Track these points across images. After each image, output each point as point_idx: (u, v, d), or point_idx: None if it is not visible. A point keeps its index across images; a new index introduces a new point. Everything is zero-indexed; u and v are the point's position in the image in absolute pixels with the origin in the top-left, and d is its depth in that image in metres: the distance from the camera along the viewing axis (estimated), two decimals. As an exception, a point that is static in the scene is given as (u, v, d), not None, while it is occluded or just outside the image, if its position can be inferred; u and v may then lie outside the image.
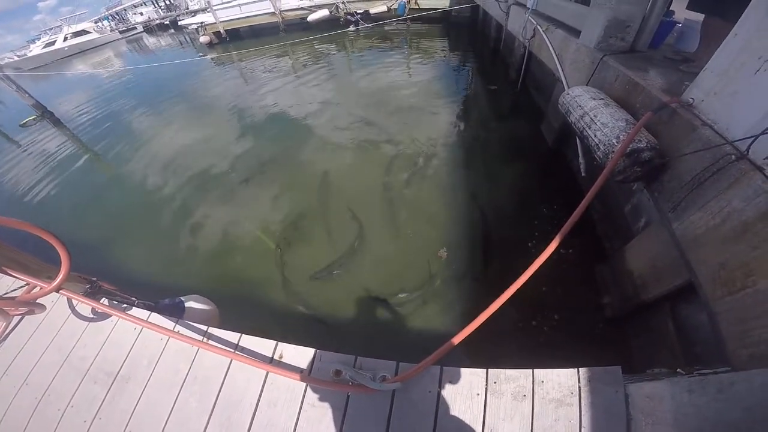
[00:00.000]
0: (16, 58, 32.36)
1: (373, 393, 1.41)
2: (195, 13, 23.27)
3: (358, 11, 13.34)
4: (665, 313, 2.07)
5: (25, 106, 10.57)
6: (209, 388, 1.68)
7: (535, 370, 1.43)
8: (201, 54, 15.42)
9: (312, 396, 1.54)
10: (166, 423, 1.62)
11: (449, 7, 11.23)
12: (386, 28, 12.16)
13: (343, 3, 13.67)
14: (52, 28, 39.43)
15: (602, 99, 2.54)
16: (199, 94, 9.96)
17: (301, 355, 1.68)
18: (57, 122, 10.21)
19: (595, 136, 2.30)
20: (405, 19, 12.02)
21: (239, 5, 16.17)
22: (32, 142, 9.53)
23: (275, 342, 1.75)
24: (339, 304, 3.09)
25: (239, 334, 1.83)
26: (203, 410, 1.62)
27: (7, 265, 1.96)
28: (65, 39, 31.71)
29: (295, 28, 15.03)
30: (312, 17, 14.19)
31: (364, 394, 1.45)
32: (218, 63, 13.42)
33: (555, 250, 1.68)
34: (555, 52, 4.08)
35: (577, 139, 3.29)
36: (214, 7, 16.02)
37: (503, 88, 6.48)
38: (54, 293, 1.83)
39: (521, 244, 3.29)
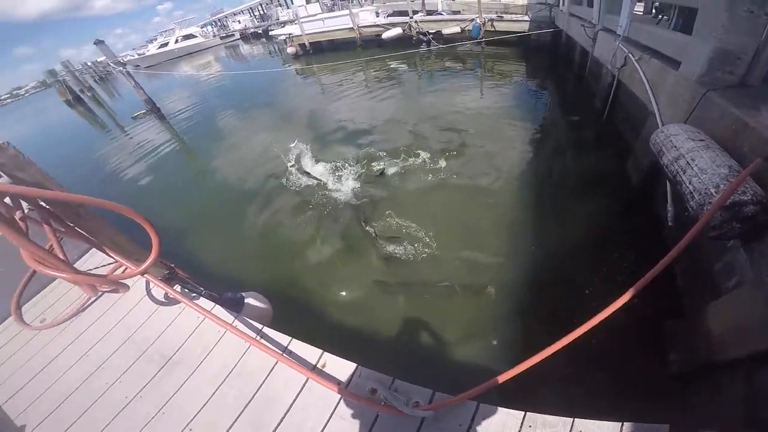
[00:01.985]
0: (136, 56, 38.12)
1: (403, 417, 1.41)
2: (284, 24, 25.57)
3: (431, 31, 13.50)
4: (738, 375, 1.82)
5: (138, 100, 12.40)
6: (250, 385, 1.75)
7: (576, 419, 1.33)
8: (287, 65, 16.84)
9: (343, 408, 1.56)
10: (198, 412, 1.71)
11: (528, 31, 10.86)
12: (459, 49, 12.10)
13: (415, 22, 13.94)
14: (166, 31, 45.83)
15: (702, 140, 2.22)
16: (282, 102, 10.88)
17: (342, 367, 1.71)
18: (162, 117, 11.82)
19: (689, 182, 2.00)
20: (479, 42, 11.87)
21: (323, 19, 17.50)
22: (139, 133, 11.16)
23: (321, 351, 1.80)
24: (384, 322, 3.12)
25: (290, 338, 1.90)
26: (238, 405, 1.69)
27: (107, 245, 2.24)
28: (176, 41, 36.58)
29: (371, 44, 15.70)
30: (386, 35, 14.70)
31: (394, 416, 1.45)
32: (300, 74, 14.55)
33: (626, 302, 1.54)
34: (649, 84, 3.74)
35: (668, 184, 2.93)
36: (301, 20, 17.42)
37: (586, 118, 6.03)
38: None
39: (582, 289, 3.04)
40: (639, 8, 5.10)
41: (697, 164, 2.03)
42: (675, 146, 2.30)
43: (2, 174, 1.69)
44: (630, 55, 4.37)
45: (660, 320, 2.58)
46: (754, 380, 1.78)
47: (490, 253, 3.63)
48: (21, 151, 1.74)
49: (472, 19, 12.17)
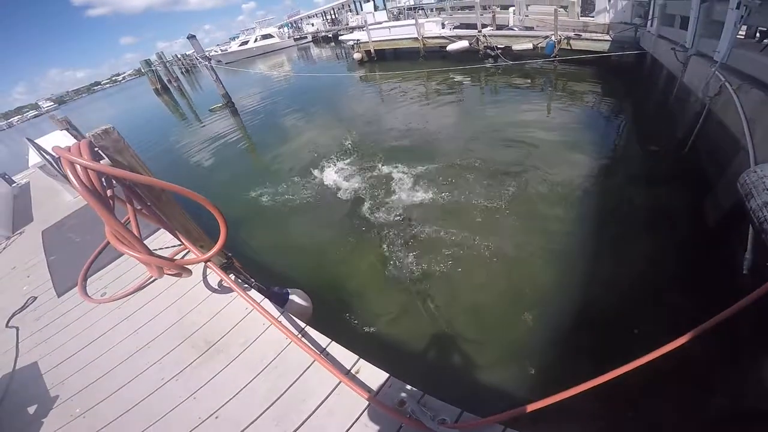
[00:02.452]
0: (219, 52, 41.71)
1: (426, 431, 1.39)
2: (353, 30, 26.52)
3: (499, 46, 13.05)
4: None
5: (216, 94, 13.56)
6: (283, 381, 1.77)
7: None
8: (351, 70, 17.45)
9: (368, 416, 1.55)
10: (229, 401, 1.75)
11: (609, 51, 10.11)
12: (528, 66, 11.60)
13: (484, 36, 13.58)
14: (248, 29, 49.62)
15: None
16: (343, 107, 11.27)
17: (375, 375, 1.70)
18: (235, 112, 12.83)
19: None
20: (552, 60, 11.29)
21: (389, 27, 17.77)
22: (212, 125, 12.19)
23: (357, 357, 1.79)
24: (421, 337, 3.13)
25: (329, 340, 1.91)
26: (267, 399, 1.70)
27: (178, 229, 2.38)
28: (255, 40, 39.47)
29: (434, 55, 15.65)
30: (451, 47, 14.47)
31: (418, 431, 1.43)
32: (364, 80, 15.01)
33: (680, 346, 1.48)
34: (745, 117, 3.38)
35: (751, 229, 2.61)
36: (369, 27, 17.92)
37: (665, 148, 5.47)
38: (198, 262, 2.15)
39: (631, 328, 2.86)
40: (740, 32, 4.56)
41: None
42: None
43: (104, 156, 1.89)
44: (727, 83, 3.97)
45: (711, 367, 2.48)
46: None
47: (538, 280, 3.49)
48: (122, 137, 1.94)
49: (546, 36, 11.62)
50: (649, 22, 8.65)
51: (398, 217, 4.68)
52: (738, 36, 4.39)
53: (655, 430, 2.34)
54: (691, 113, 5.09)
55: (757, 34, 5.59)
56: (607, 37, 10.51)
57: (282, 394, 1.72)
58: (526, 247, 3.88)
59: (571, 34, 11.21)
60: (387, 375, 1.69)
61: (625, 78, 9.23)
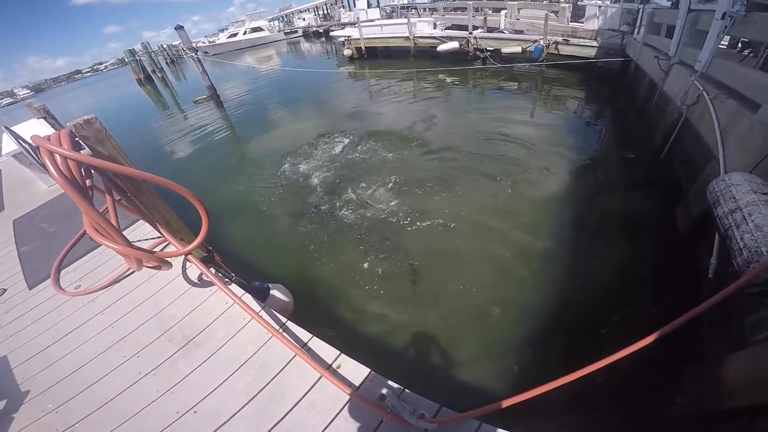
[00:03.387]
0: (207, 43, 40.76)
1: (406, 426, 1.44)
2: (345, 26, 26.33)
3: (489, 48, 13.22)
4: (740, 423, 1.91)
5: (202, 86, 13.27)
6: (263, 375, 1.77)
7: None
8: (341, 66, 17.34)
9: (349, 410, 1.57)
10: (208, 395, 1.74)
11: (595, 57, 10.37)
12: (516, 69, 11.80)
13: (474, 38, 13.71)
14: (237, 21, 48.57)
15: (765, 194, 2.09)
16: (329, 102, 11.20)
17: (356, 370, 1.72)
18: (219, 105, 12.58)
19: (741, 238, 1.93)
20: (539, 64, 11.49)
21: (381, 25, 17.74)
22: (196, 117, 11.92)
23: (339, 352, 1.81)
24: (403, 333, 3.19)
25: (310, 335, 1.92)
26: (247, 394, 1.70)
27: (159, 221, 2.34)
28: (245, 33, 38.71)
29: (424, 55, 15.73)
30: (441, 47, 14.55)
31: (398, 425, 1.47)
32: (352, 77, 14.91)
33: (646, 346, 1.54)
34: (719, 126, 3.49)
35: (717, 237, 2.76)
36: (361, 24, 17.84)
37: (642, 155, 5.68)
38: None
39: (599, 328, 3.01)
40: (723, 42, 4.71)
41: (753, 220, 1.95)
42: (734, 197, 2.19)
43: (85, 146, 1.83)
44: (705, 92, 4.07)
45: (674, 366, 2.61)
46: (755, 430, 1.84)
47: (516, 280, 3.58)
48: (104, 127, 1.89)
49: (536, 40, 11.83)
50: (636, 30, 8.87)
51: (379, 211, 4.72)
52: (720, 46, 4.53)
53: (622, 427, 2.44)
54: (668, 121, 5.24)
55: (739, 45, 5.82)
56: (595, 44, 10.78)
57: (262, 389, 1.71)
58: (507, 247, 3.96)
59: (560, 39, 11.44)
60: (368, 370, 1.71)
61: (609, 84, 9.50)
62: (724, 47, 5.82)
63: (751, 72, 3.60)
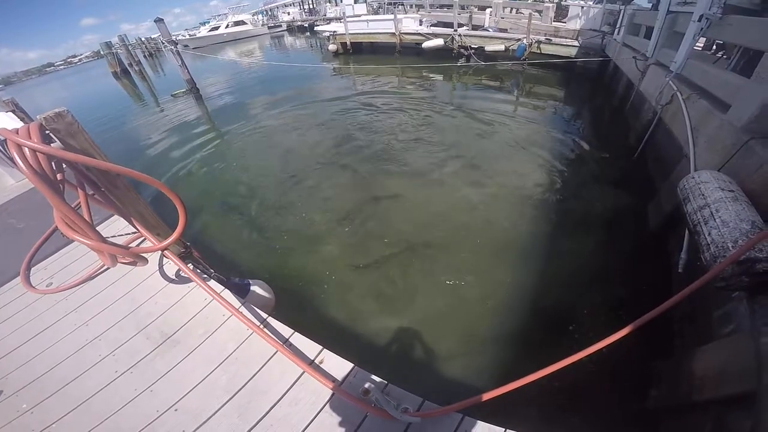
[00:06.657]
0: (187, 37, 39.63)
1: (390, 420, 1.45)
2: (330, 21, 26.03)
3: (473, 46, 13.36)
4: (709, 414, 1.95)
5: (181, 79, 12.89)
6: (245, 372, 1.76)
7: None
8: (325, 61, 17.15)
9: (333, 405, 1.57)
10: (188, 393, 1.71)
11: (575, 57, 10.60)
12: (498, 67, 11.96)
13: (459, 36, 13.83)
14: (219, 15, 47.40)
15: (732, 191, 2.18)
16: (313, 95, 11.07)
17: (339, 365, 1.72)
18: (199, 98, 12.25)
19: (708, 234, 2.00)
20: (521, 62, 11.69)
21: (367, 21, 17.68)
22: (174, 111, 11.58)
23: (321, 347, 1.81)
24: (386, 328, 3.19)
25: (292, 331, 1.91)
26: (229, 391, 1.69)
27: (134, 216, 2.26)
28: (227, 26, 37.81)
29: (410, 51, 15.76)
30: (427, 44, 14.64)
31: (381, 419, 1.48)
32: (336, 73, 14.78)
33: (619, 339, 1.60)
34: (690, 126, 3.62)
35: (686, 232, 2.86)
36: (347, 19, 17.70)
37: (617, 154, 5.84)
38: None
39: (569, 323, 3.08)
40: (699, 43, 4.86)
41: (720, 216, 2.02)
42: (702, 194, 2.28)
43: (55, 139, 1.77)
44: (678, 93, 4.21)
45: (649, 359, 2.67)
46: (723, 421, 1.89)
47: (493, 276, 3.64)
48: (77, 120, 1.82)
49: (519, 39, 12.01)
50: (616, 30, 9.09)
51: (359, 213, 4.69)
52: (696, 47, 4.68)
53: (597, 417, 2.50)
54: (643, 121, 5.41)
55: (714, 47, 6.05)
56: (576, 43, 11.03)
57: (244, 385, 1.70)
58: (486, 244, 4.02)
59: (542, 38, 11.65)
60: (351, 365, 1.71)
61: (587, 84, 9.75)
62: (700, 49, 6.05)
63: (722, 73, 3.73)
